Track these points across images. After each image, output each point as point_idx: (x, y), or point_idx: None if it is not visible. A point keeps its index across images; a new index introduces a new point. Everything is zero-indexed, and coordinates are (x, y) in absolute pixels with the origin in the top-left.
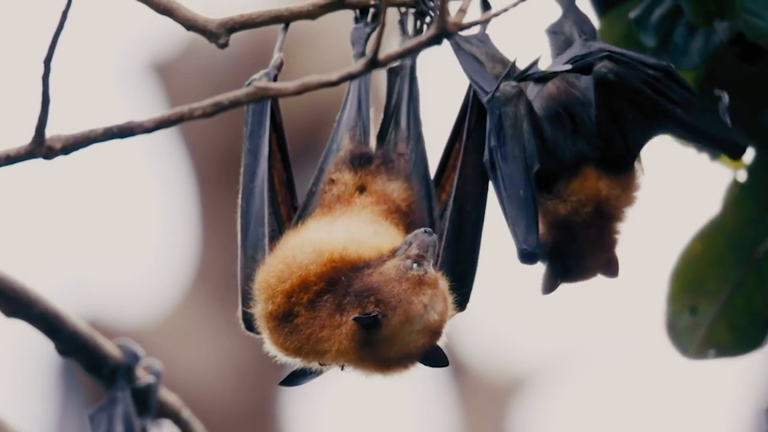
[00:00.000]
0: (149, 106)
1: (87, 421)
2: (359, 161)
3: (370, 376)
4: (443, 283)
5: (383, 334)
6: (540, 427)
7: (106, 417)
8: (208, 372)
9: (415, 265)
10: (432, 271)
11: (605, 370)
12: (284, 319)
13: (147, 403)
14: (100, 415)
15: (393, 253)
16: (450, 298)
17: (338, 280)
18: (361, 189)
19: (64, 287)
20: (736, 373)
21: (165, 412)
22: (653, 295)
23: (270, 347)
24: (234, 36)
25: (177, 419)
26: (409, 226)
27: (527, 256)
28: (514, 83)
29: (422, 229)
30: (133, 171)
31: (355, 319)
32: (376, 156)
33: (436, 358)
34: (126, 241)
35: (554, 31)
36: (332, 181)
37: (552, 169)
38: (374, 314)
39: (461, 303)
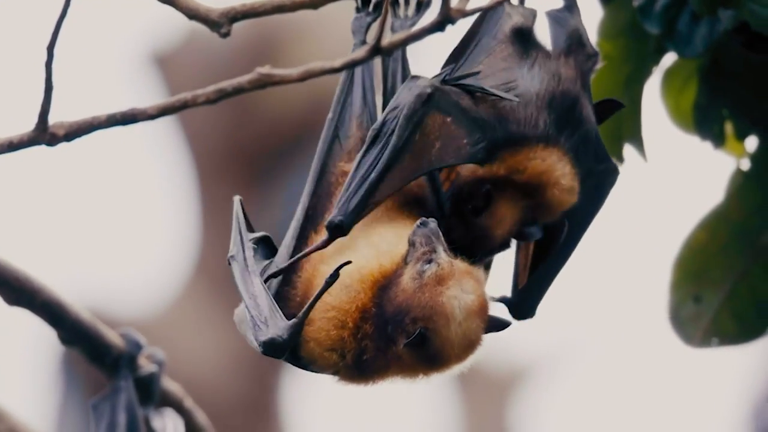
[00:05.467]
0: (149, 98)
1: (89, 411)
2: None
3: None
4: (460, 263)
5: (437, 343)
6: (541, 419)
7: (109, 406)
8: (208, 363)
9: (426, 266)
10: (443, 259)
11: (606, 360)
12: (357, 362)
13: (150, 393)
14: (102, 404)
15: (404, 261)
16: (475, 269)
17: (383, 300)
18: None
19: (65, 278)
20: (738, 362)
21: (168, 401)
22: (657, 285)
23: (338, 385)
24: (234, 27)
25: (180, 408)
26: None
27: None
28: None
29: (417, 223)
30: (133, 163)
31: (405, 345)
32: None
33: (495, 325)
34: (127, 232)
35: (558, 22)
36: (346, 173)
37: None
38: (418, 331)
39: None
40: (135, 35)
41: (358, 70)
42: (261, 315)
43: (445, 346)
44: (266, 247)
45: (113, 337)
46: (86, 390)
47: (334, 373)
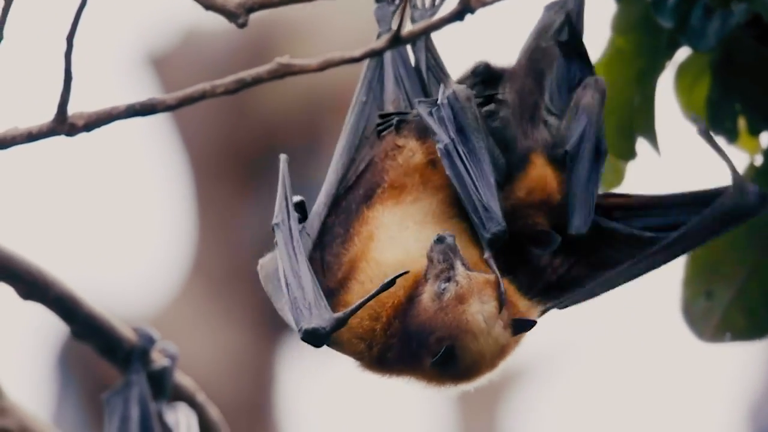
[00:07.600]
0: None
1: (103, 404)
2: (425, 129)
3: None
4: (477, 275)
5: (466, 359)
6: (533, 420)
7: (122, 400)
8: (205, 363)
9: (444, 285)
10: (461, 275)
11: (601, 360)
12: (381, 356)
13: (162, 387)
14: (115, 398)
15: (424, 277)
16: (491, 278)
17: (407, 315)
18: (434, 163)
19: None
20: (736, 360)
21: (180, 395)
22: (669, 280)
23: (356, 370)
24: (228, 28)
25: (192, 403)
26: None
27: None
28: (466, 87)
29: (434, 239)
30: (130, 162)
31: (432, 364)
32: None
33: (522, 326)
34: (123, 232)
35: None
36: (397, 146)
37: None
38: (445, 348)
39: None
40: (131, 36)
41: (388, 56)
42: (305, 299)
43: (476, 358)
44: (300, 211)
45: (126, 331)
46: (83, 386)
47: (358, 359)
